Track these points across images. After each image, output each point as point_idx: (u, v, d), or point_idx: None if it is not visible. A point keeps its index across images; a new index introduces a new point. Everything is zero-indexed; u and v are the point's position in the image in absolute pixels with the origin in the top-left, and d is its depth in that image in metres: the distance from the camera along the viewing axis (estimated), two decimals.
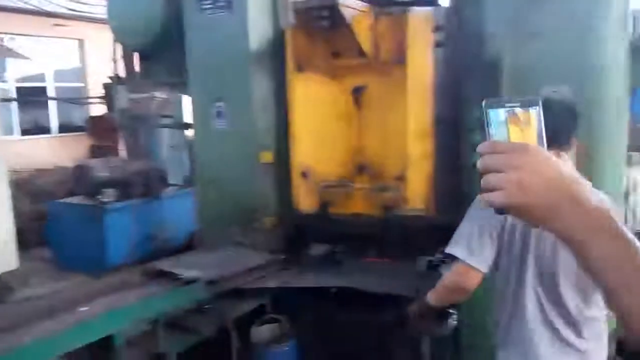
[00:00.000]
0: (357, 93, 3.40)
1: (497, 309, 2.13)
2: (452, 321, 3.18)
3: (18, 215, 5.01)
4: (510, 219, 1.94)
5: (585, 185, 0.75)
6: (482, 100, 0.84)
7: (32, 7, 10.69)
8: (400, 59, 3.16)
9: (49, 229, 5.97)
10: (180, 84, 4.48)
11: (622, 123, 2.97)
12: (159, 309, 2.68)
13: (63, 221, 5.67)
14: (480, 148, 0.81)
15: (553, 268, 1.96)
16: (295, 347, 3.17)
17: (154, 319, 2.66)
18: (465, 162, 3.15)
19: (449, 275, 2.11)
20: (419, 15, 3.16)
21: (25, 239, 5.49)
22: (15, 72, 11.70)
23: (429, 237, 3.38)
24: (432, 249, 3.57)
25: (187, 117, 6.71)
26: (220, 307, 2.99)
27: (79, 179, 5.60)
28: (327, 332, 3.23)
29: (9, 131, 10.46)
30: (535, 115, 0.82)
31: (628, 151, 3.26)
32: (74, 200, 5.79)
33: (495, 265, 2.04)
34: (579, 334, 2.00)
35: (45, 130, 12.04)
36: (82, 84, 12.55)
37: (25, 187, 7.48)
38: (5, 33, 10.76)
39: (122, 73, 5.28)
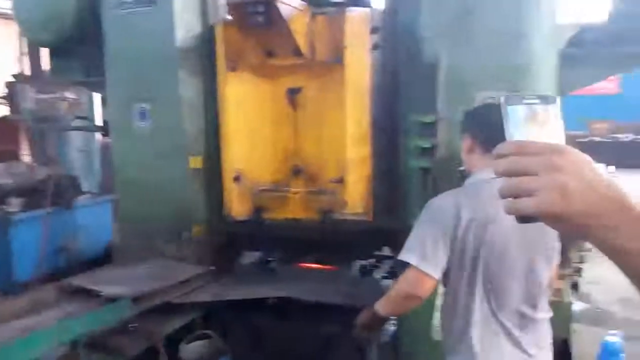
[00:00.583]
0: (293, 94, 3.27)
1: (447, 316, 2.08)
2: (391, 327, 3.16)
3: None
4: (464, 223, 1.92)
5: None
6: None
7: None
8: (337, 59, 3.07)
9: None
10: (96, 83, 4.15)
11: None
12: (80, 330, 2.41)
13: None
14: (502, 148, 0.72)
15: (503, 272, 1.95)
16: None
17: (74, 341, 2.38)
18: (402, 165, 3.13)
19: (401, 283, 2.03)
20: (356, 16, 3.09)
21: None
22: None
23: (367, 241, 3.34)
24: (370, 253, 3.54)
25: (99, 118, 6.31)
26: (147, 324, 2.76)
27: None
28: (263, 346, 3.07)
29: None
30: (554, 112, 0.75)
31: None
32: None
33: (447, 271, 2.00)
34: (527, 337, 2.00)
35: None
36: None
37: None
38: None
39: (27, 71, 4.83)
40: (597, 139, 15.31)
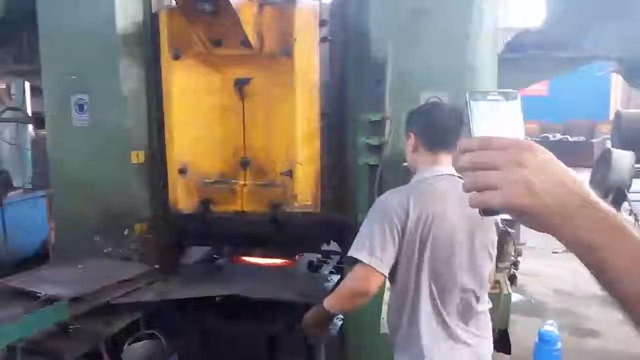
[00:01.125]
0: (241, 85, 3.18)
1: (394, 312, 2.11)
2: (338, 321, 3.20)
3: None
4: (412, 219, 1.95)
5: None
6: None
7: None
8: (285, 51, 3.04)
9: None
10: (29, 72, 3.94)
11: None
12: (17, 334, 2.27)
13: None
14: (467, 143, 0.73)
15: (448, 268, 2.00)
16: None
17: (10, 346, 2.25)
18: (350, 161, 3.16)
19: (350, 280, 2.03)
20: (305, 8, 3.06)
21: None
22: None
23: (316, 234, 3.33)
24: (319, 246, 3.55)
25: (30, 109, 5.99)
26: (88, 326, 2.64)
27: None
28: (211, 345, 3.02)
29: None
30: (515, 108, 0.78)
31: None
32: None
33: (394, 267, 2.02)
34: (470, 329, 2.07)
35: None
36: None
37: None
38: None
39: None
40: (528, 138, 16.06)
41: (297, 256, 3.77)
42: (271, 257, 3.68)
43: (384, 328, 2.50)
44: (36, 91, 5.46)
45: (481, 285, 2.08)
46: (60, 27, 3.32)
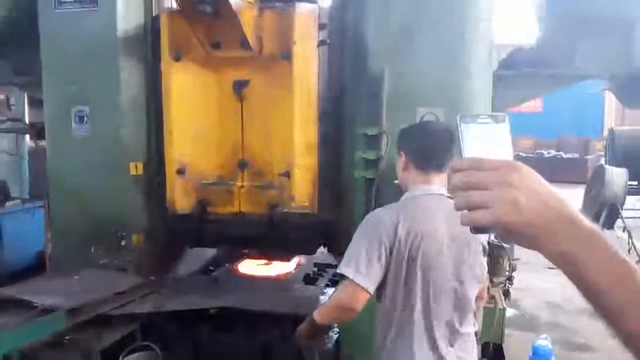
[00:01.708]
0: (239, 87, 3.21)
1: (382, 329, 2.10)
2: (333, 334, 3.20)
3: None
4: (401, 237, 1.96)
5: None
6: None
7: None
8: (284, 54, 3.06)
9: None
10: (29, 84, 3.97)
11: None
12: (12, 344, 2.28)
13: None
14: (459, 164, 0.76)
15: (437, 287, 2.00)
16: None
17: (5, 355, 2.25)
18: (346, 175, 3.19)
19: (337, 295, 2.06)
20: (304, 11, 3.09)
21: None
22: None
23: (313, 235, 3.34)
24: (315, 248, 3.56)
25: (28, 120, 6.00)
26: (84, 337, 2.65)
27: None
28: (206, 357, 3.03)
29: None
30: (504, 131, 0.81)
31: None
32: None
33: (383, 284, 2.02)
34: (456, 351, 2.06)
35: None
36: None
37: None
38: None
39: None
40: (523, 154, 16.15)
41: (294, 258, 3.78)
42: (268, 258, 3.68)
43: None
44: (34, 102, 5.49)
45: (467, 307, 2.08)
46: (62, 40, 3.36)
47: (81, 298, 2.74)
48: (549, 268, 5.81)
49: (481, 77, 3.05)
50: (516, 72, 3.50)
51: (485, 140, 0.80)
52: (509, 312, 4.16)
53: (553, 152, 16.78)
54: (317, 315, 2.12)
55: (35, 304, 2.51)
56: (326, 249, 3.55)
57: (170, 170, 3.25)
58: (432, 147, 2.03)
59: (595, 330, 4.47)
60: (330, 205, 3.22)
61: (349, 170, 3.14)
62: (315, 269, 3.90)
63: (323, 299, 3.28)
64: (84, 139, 3.37)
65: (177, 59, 3.16)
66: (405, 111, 3.00)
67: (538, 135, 17.93)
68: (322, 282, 3.72)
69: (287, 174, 3.10)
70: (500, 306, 3.17)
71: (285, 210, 3.14)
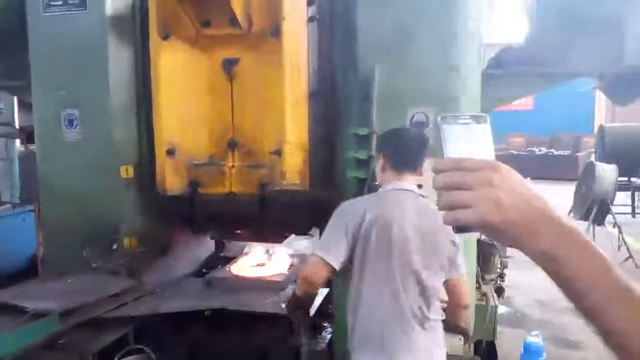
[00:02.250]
0: (229, 66, 3.18)
1: (352, 310, 2.20)
2: (327, 334, 3.22)
3: None
4: (367, 221, 2.10)
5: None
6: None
7: None
8: (274, 31, 3.02)
9: None
10: (18, 88, 3.95)
11: None
12: (5, 348, 2.27)
13: None
14: (440, 164, 0.77)
15: (402, 270, 2.11)
16: None
17: None
18: (339, 140, 3.18)
19: (304, 268, 2.25)
20: None
21: None
22: None
23: (305, 214, 3.32)
24: (308, 228, 3.56)
25: (18, 123, 5.97)
26: (77, 341, 2.64)
27: None
28: (201, 359, 3.02)
29: None
30: (485, 131, 0.81)
31: None
32: None
33: (350, 266, 2.15)
34: (427, 334, 2.16)
35: None
36: None
37: None
38: None
39: None
40: (514, 151, 16.22)
41: (285, 238, 3.79)
42: (260, 238, 3.68)
43: None
44: (24, 106, 5.46)
45: (433, 295, 2.18)
46: (50, 42, 3.35)
47: (74, 301, 2.73)
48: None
49: (471, 76, 3.06)
50: (505, 71, 3.52)
51: (466, 140, 0.80)
52: (501, 309, 4.19)
53: (544, 150, 16.88)
54: (295, 287, 2.31)
55: (27, 309, 2.50)
56: (318, 230, 3.56)
57: (160, 150, 3.20)
58: (406, 150, 2.21)
59: (585, 328, 4.48)
60: (321, 183, 3.21)
61: (341, 151, 3.13)
62: None
63: (316, 299, 3.28)
64: (74, 142, 3.36)
65: (165, 37, 3.11)
66: (396, 111, 3.02)
67: (530, 132, 18.02)
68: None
69: (278, 152, 3.07)
70: (492, 303, 3.20)
71: (276, 188, 3.11)
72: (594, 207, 7.24)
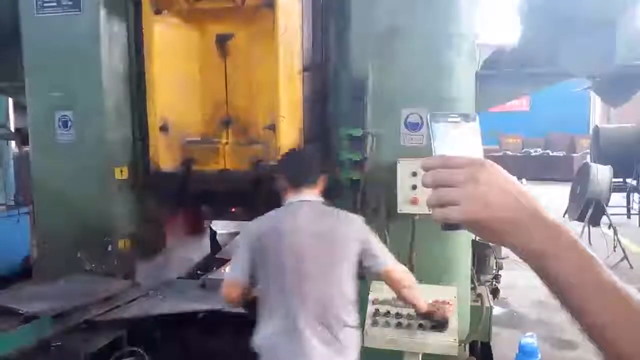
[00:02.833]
0: (222, 41, 3.15)
1: (260, 315, 2.27)
2: None
3: None
4: (265, 234, 2.24)
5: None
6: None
7: None
8: (267, 2, 2.98)
9: None
10: (12, 89, 3.95)
11: None
12: None
13: None
14: (428, 162, 0.77)
15: (299, 276, 2.18)
16: None
17: None
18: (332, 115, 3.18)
19: (222, 289, 2.36)
20: None
21: None
22: None
23: None
24: None
25: (13, 125, 5.96)
26: (70, 343, 2.63)
27: None
28: None
29: None
30: (474, 129, 0.82)
31: None
32: None
33: (255, 277, 2.26)
34: (330, 348, 2.17)
35: None
36: None
37: None
38: None
39: None
40: (510, 153, 16.23)
41: None
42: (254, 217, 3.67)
43: (369, 342, 2.54)
44: (19, 107, 5.45)
45: (332, 299, 2.21)
46: (44, 43, 3.35)
47: (67, 304, 2.73)
48: None
49: (464, 77, 3.07)
50: (499, 72, 3.53)
51: (455, 138, 0.81)
52: (496, 310, 4.19)
53: (540, 151, 16.91)
54: None
55: (20, 311, 2.50)
56: None
57: (154, 127, 3.17)
58: (301, 168, 2.38)
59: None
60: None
61: (334, 127, 3.13)
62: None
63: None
64: (69, 144, 3.36)
65: (158, 12, 3.08)
66: (390, 112, 3.03)
67: (526, 133, 18.05)
68: None
69: (273, 127, 3.04)
70: (487, 304, 3.20)
71: (271, 163, 3.08)
72: (589, 208, 7.25)
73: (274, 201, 3.34)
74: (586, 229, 7.15)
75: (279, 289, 2.20)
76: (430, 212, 0.78)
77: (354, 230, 2.28)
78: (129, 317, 2.88)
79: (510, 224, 0.72)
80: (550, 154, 16.46)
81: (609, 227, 7.17)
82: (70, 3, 3.29)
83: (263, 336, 2.23)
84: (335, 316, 2.19)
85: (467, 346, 3.04)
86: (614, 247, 6.86)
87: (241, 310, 2.50)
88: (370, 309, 2.64)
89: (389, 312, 2.57)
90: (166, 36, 3.15)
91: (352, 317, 2.25)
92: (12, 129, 5.79)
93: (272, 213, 2.35)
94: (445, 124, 0.81)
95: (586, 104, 18.38)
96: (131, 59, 3.38)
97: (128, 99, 3.42)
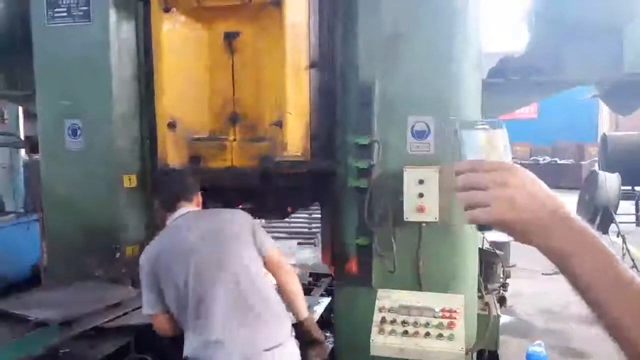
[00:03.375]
0: (230, 38, 3.18)
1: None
2: (329, 344, 3.21)
3: None
4: (156, 259, 2.40)
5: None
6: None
7: None
8: (275, 0, 2.99)
9: None
10: (23, 97, 3.99)
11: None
12: (5, 358, 2.28)
13: None
14: (460, 166, 0.82)
15: (201, 285, 2.31)
16: None
17: None
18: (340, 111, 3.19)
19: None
20: None
21: None
22: None
23: (306, 186, 3.34)
24: (309, 201, 3.56)
25: (23, 133, 6.02)
26: (79, 350, 2.64)
27: None
28: None
29: None
30: (502, 135, 0.86)
31: None
32: None
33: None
34: (250, 321, 2.32)
35: None
36: None
37: None
38: None
39: None
40: (519, 160, 16.16)
41: (287, 214, 3.79)
42: (262, 213, 3.73)
43: (376, 350, 2.54)
44: (30, 115, 5.51)
45: (247, 295, 2.34)
46: (54, 52, 3.39)
47: (75, 311, 2.74)
48: (543, 274, 5.84)
49: (471, 85, 3.07)
50: (505, 80, 3.53)
51: (484, 145, 0.85)
52: (504, 318, 4.17)
53: (548, 159, 16.86)
54: None
55: (29, 318, 2.51)
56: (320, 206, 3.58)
57: (162, 124, 3.19)
58: (173, 188, 2.58)
59: (589, 336, 4.48)
60: (322, 153, 3.21)
61: (340, 125, 3.16)
62: (311, 279, 3.91)
63: (318, 308, 3.29)
64: (78, 152, 3.39)
65: (167, 10, 3.11)
66: (396, 119, 3.03)
67: (534, 141, 18.00)
68: (317, 291, 3.73)
69: (279, 123, 3.05)
70: (494, 313, 3.18)
71: (278, 159, 3.08)
72: (597, 216, 7.22)
73: (282, 197, 3.42)
74: None
75: (185, 304, 2.34)
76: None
77: (240, 216, 2.56)
78: (137, 324, 2.89)
79: (535, 225, 0.77)
80: (559, 161, 16.40)
81: (618, 235, 7.12)
82: (80, 13, 3.34)
83: (189, 349, 2.37)
84: (250, 294, 2.33)
85: (475, 355, 3.03)
86: (623, 255, 6.81)
87: None
88: (377, 317, 2.64)
89: (395, 320, 2.57)
90: (175, 34, 3.19)
91: (265, 290, 2.41)
92: (22, 137, 5.86)
93: (157, 238, 2.52)
94: (474, 131, 0.86)
95: (594, 111, 18.33)
96: (140, 59, 3.42)
97: (137, 103, 3.45)
